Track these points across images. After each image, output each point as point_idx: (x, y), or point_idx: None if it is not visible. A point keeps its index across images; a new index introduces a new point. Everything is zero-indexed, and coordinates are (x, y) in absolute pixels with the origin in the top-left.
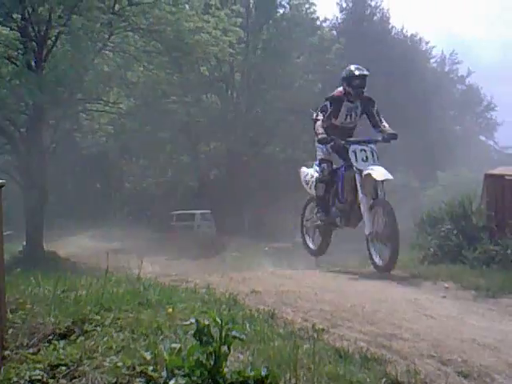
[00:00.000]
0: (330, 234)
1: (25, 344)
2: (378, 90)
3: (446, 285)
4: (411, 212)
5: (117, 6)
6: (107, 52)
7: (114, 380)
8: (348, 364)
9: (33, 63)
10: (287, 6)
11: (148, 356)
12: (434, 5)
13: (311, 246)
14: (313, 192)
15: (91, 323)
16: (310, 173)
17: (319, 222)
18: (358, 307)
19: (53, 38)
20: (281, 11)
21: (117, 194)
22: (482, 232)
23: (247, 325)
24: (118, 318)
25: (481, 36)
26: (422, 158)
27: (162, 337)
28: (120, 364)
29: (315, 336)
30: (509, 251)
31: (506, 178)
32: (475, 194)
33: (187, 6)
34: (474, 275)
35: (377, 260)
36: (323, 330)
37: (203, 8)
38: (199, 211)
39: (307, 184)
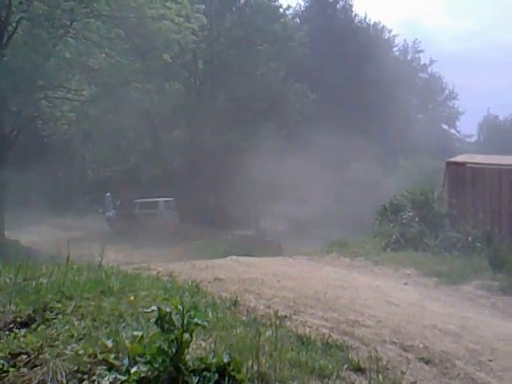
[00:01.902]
0: None
1: None
2: (341, 79)
3: (408, 271)
4: (374, 200)
5: None
6: (69, 38)
7: (76, 368)
8: (310, 350)
9: None
10: None
11: (109, 344)
12: None
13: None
14: None
15: (52, 311)
16: None
17: None
18: (321, 294)
19: (13, 24)
20: None
21: (79, 183)
22: (443, 219)
23: (210, 312)
24: (80, 306)
25: (444, 25)
26: (385, 146)
27: (123, 324)
28: (81, 352)
29: (278, 323)
30: (470, 238)
31: (467, 165)
32: (437, 181)
33: None
34: (436, 262)
35: None
36: (286, 316)
37: None
38: (162, 199)
39: None
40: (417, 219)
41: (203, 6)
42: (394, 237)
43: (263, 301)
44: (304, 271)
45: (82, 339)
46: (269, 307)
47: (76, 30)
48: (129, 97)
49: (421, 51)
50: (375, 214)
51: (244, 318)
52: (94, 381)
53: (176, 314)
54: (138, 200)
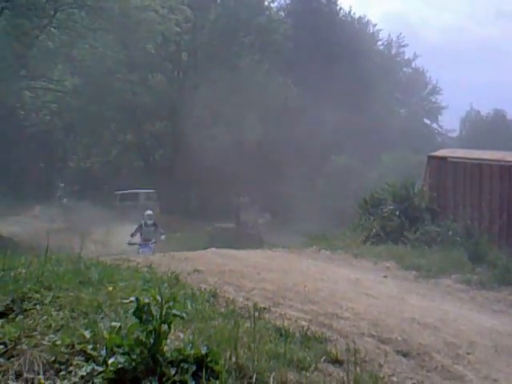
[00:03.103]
0: None
1: None
2: (325, 72)
3: (388, 265)
4: (355, 193)
5: None
6: (52, 29)
7: (53, 358)
8: (289, 343)
9: None
10: None
11: (87, 334)
12: None
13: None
14: None
15: (30, 302)
16: None
17: None
18: (300, 286)
19: None
20: None
21: (61, 173)
22: (423, 213)
23: (188, 303)
24: (58, 297)
25: (428, 20)
26: (367, 139)
27: (101, 315)
28: (59, 342)
29: (256, 315)
30: (450, 232)
31: (449, 160)
32: (418, 175)
33: None
34: (415, 256)
35: None
36: (265, 308)
37: None
38: (143, 191)
39: None
40: (397, 213)
41: None
42: (374, 230)
43: (242, 293)
44: (284, 264)
45: (59, 330)
46: (248, 299)
47: (59, 21)
48: (111, 88)
49: (405, 46)
50: (356, 208)
51: (223, 309)
52: (71, 371)
53: (154, 305)
54: (119, 192)
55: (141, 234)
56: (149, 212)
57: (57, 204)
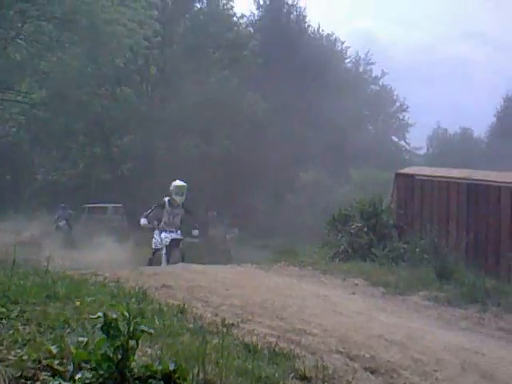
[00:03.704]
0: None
1: None
2: (294, 88)
3: (356, 281)
4: (323, 209)
5: None
6: (20, 41)
7: (19, 373)
8: (256, 359)
9: None
10: (204, 1)
11: (54, 349)
12: (350, 5)
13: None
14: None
15: None
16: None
17: None
18: (269, 302)
19: None
20: (198, 6)
21: (28, 186)
22: (391, 230)
23: (156, 319)
24: (25, 311)
25: (396, 38)
26: (336, 155)
27: (69, 330)
28: (25, 357)
29: (225, 331)
30: (417, 249)
31: (416, 177)
32: (386, 192)
33: None
34: (383, 272)
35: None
36: (233, 324)
37: None
38: (111, 205)
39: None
40: (365, 229)
41: (156, 13)
42: (343, 247)
43: (211, 308)
44: (252, 280)
45: (26, 344)
46: (216, 315)
47: (28, 33)
48: (79, 101)
49: (372, 63)
50: (324, 224)
51: (191, 325)
52: None
53: (122, 320)
54: (87, 205)
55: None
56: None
57: (24, 217)
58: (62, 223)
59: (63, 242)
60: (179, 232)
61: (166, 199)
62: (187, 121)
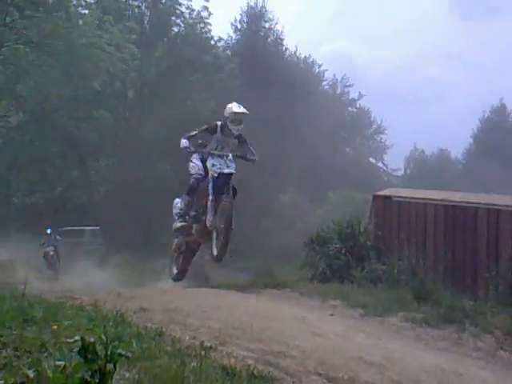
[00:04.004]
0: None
1: None
2: (271, 112)
3: (334, 303)
4: (301, 231)
5: (8, 18)
6: None
7: None
8: (235, 382)
9: None
10: (182, 24)
11: (31, 374)
12: (327, 28)
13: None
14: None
15: None
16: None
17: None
18: (247, 325)
19: None
20: (175, 29)
21: (4, 210)
22: (369, 251)
23: (134, 343)
24: (1, 335)
25: (373, 60)
26: (313, 178)
27: (46, 354)
28: (2, 382)
29: (203, 354)
30: (395, 271)
31: (393, 199)
32: (364, 214)
33: (81, 21)
34: (362, 294)
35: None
36: (211, 347)
37: (97, 23)
38: (88, 228)
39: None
40: (343, 251)
41: (134, 36)
42: (321, 268)
43: (189, 331)
44: (230, 302)
45: (2, 369)
46: (194, 338)
47: (4, 56)
48: (56, 124)
49: (350, 86)
50: (302, 246)
51: (169, 348)
52: None
53: (99, 344)
54: (63, 228)
55: None
56: None
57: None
58: (50, 249)
59: (48, 271)
60: (232, 163)
61: (219, 123)
62: (164, 144)
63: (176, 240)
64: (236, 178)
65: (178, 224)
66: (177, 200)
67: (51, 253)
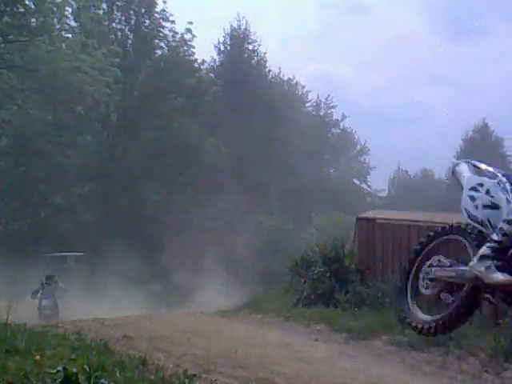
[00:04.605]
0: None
1: None
2: (255, 133)
3: (319, 327)
4: (285, 255)
5: None
6: None
7: None
8: None
9: None
10: (165, 47)
11: None
12: (310, 50)
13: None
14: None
15: None
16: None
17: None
18: (231, 352)
19: None
20: (159, 52)
21: None
22: (353, 274)
23: (117, 372)
24: None
25: (356, 81)
26: (297, 200)
27: None
28: None
29: (187, 382)
30: (379, 293)
31: (377, 221)
32: (348, 236)
33: (64, 45)
34: (346, 318)
35: None
36: (195, 375)
37: (80, 47)
38: (72, 253)
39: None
40: (328, 274)
41: (117, 60)
42: (305, 292)
43: (173, 359)
44: (214, 328)
45: None
46: (178, 366)
47: None
48: (40, 149)
49: (333, 107)
50: (287, 270)
51: (152, 377)
52: None
53: (82, 374)
54: (48, 255)
55: None
56: None
57: None
58: (47, 303)
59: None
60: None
61: None
62: (148, 168)
63: None
64: (220, 200)
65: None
66: None
67: (47, 311)
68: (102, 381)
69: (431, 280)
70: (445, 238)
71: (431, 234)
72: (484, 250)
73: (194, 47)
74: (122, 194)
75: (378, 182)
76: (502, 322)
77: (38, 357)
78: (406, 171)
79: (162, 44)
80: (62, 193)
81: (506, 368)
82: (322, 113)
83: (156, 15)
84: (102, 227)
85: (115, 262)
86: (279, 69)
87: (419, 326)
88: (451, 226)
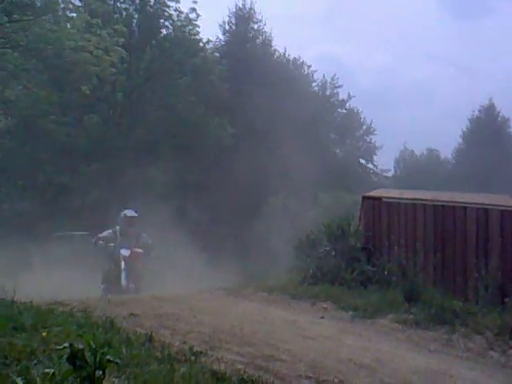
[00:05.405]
0: None
1: None
2: (261, 113)
3: (325, 305)
4: (292, 234)
5: None
6: None
7: None
8: None
9: None
10: (170, 27)
11: (20, 382)
12: (315, 30)
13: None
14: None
15: None
16: None
17: None
18: (237, 329)
19: None
20: (164, 32)
21: None
22: (359, 253)
23: (124, 348)
24: None
25: (362, 61)
26: (304, 179)
27: (35, 361)
28: None
29: (193, 359)
30: (385, 272)
31: (383, 200)
32: (353, 215)
33: (69, 25)
34: (352, 296)
35: None
36: (201, 352)
37: (85, 27)
38: (78, 233)
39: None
40: (333, 253)
41: (123, 39)
42: (311, 271)
43: (179, 336)
44: (221, 306)
45: None
46: (184, 343)
47: None
48: (46, 129)
49: (339, 87)
50: (292, 248)
51: (159, 354)
52: None
53: (89, 350)
54: (54, 234)
55: None
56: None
57: None
58: (125, 252)
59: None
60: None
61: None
62: (154, 147)
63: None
64: (225, 180)
65: None
66: None
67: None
68: (108, 357)
69: None
70: None
71: None
72: None
73: (198, 26)
74: (127, 174)
75: (385, 162)
76: (508, 300)
77: (44, 334)
78: (412, 151)
79: (167, 23)
80: (67, 172)
81: None
82: (327, 93)
83: None
84: (107, 206)
85: None
86: (284, 49)
87: None
88: None
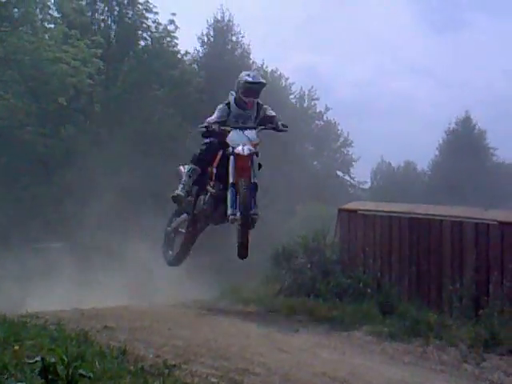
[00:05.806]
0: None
1: None
2: None
3: (300, 318)
4: (269, 246)
5: None
6: None
7: None
8: None
9: None
10: (149, 38)
11: None
12: (293, 41)
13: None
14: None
15: None
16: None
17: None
18: (212, 342)
19: None
20: (142, 43)
21: None
22: (335, 265)
23: (97, 362)
24: None
25: (339, 73)
26: (281, 191)
27: (7, 376)
28: None
29: (166, 372)
30: (361, 284)
31: (359, 212)
32: (329, 227)
33: (46, 36)
34: (327, 308)
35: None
36: (175, 366)
37: (63, 38)
38: (55, 244)
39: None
40: (309, 265)
41: (100, 51)
42: (287, 283)
43: (153, 349)
44: (195, 319)
45: None
46: (158, 356)
47: None
48: (22, 140)
49: (317, 99)
50: (268, 260)
51: (132, 367)
52: None
53: (61, 364)
54: (32, 245)
55: None
56: None
57: None
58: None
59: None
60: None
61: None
62: (132, 158)
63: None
64: None
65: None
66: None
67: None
68: (81, 371)
69: None
70: None
71: None
72: None
73: (177, 38)
74: (102, 184)
75: (361, 174)
76: (481, 312)
77: (16, 347)
78: (389, 163)
79: (146, 35)
80: (44, 183)
81: (485, 358)
82: (305, 105)
83: (139, 6)
84: (83, 216)
85: (97, 252)
86: (263, 60)
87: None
88: None
